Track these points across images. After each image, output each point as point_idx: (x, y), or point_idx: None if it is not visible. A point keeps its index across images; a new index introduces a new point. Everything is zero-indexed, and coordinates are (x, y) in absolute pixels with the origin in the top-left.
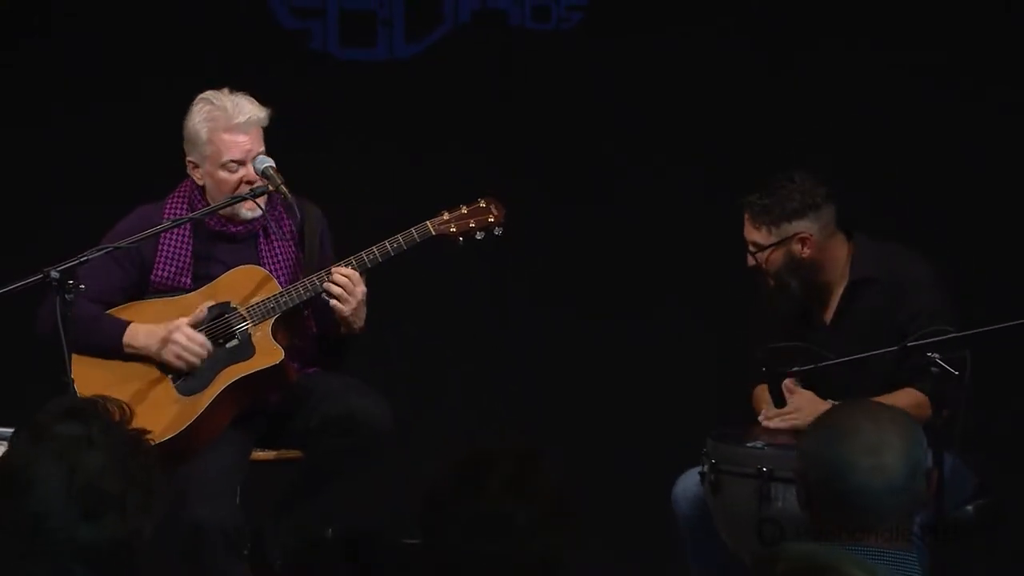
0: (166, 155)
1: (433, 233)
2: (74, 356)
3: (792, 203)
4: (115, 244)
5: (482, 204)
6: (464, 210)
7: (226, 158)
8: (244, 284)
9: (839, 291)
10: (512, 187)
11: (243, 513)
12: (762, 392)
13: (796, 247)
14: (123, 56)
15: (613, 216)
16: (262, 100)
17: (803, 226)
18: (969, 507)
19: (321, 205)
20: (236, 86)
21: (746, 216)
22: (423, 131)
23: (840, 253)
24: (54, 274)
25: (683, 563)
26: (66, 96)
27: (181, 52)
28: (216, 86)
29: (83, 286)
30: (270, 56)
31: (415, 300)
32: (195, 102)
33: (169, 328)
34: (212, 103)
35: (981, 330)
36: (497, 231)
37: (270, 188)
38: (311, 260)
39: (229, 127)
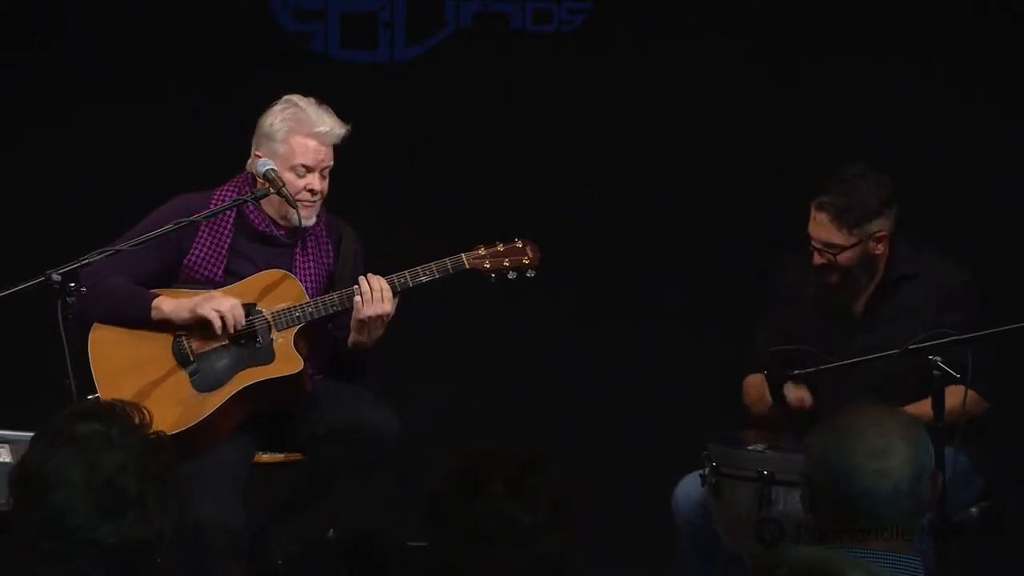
0: (167, 156)
1: (467, 266)
2: (96, 335)
3: (872, 201)
4: (116, 247)
5: (519, 244)
6: (500, 248)
7: (298, 161)
8: (272, 288)
9: (873, 284)
10: (513, 189)
11: (245, 514)
12: (757, 382)
13: (873, 245)
14: (124, 58)
15: (615, 218)
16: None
17: (881, 224)
18: (973, 509)
19: (337, 216)
20: (237, 88)
21: (823, 217)
22: (424, 134)
23: (887, 252)
24: (55, 276)
25: (682, 564)
26: (66, 97)
27: (182, 54)
28: (217, 88)
29: (83, 289)
30: (271, 58)
31: (418, 303)
32: (280, 100)
33: (209, 293)
34: (298, 105)
35: (983, 333)
36: (530, 274)
37: (271, 191)
38: (342, 278)
39: (310, 133)
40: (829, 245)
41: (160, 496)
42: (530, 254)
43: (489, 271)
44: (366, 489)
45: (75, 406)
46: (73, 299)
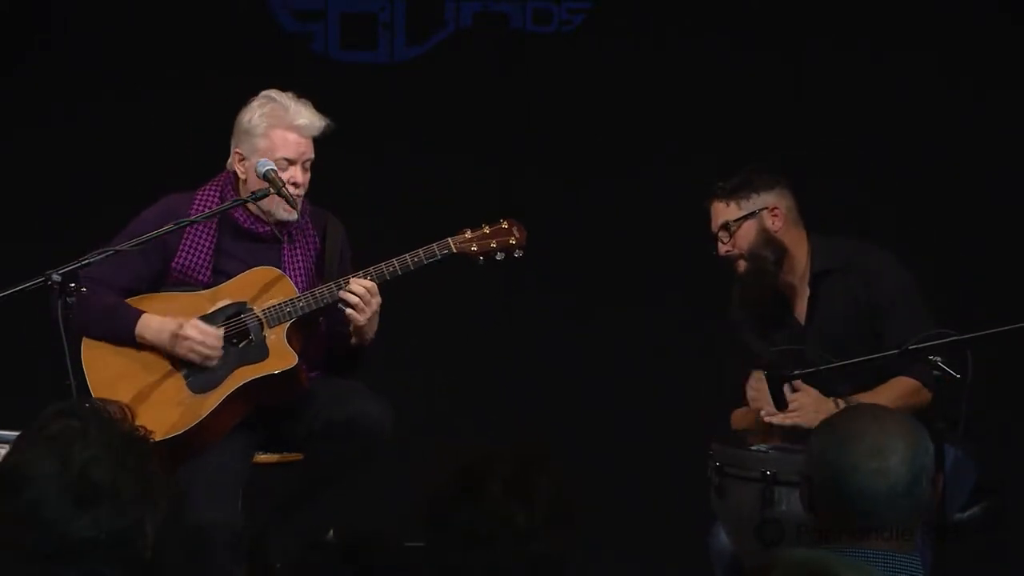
0: (167, 156)
1: (454, 251)
2: (89, 343)
3: (758, 178)
4: (116, 247)
5: (504, 225)
6: (487, 230)
7: (280, 155)
8: (261, 285)
9: (805, 289)
10: (513, 189)
11: (244, 515)
12: (743, 416)
13: (767, 220)
14: (124, 58)
15: (615, 217)
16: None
17: (771, 200)
18: (975, 508)
19: (320, 207)
20: (237, 88)
21: (713, 202)
22: (424, 134)
23: (803, 249)
24: (55, 277)
25: (682, 564)
26: (67, 98)
27: (182, 55)
28: (217, 89)
29: (83, 289)
30: (271, 59)
31: (414, 300)
32: (258, 96)
33: (180, 322)
34: (276, 100)
35: (983, 333)
36: (518, 253)
37: (271, 191)
38: (331, 271)
39: (290, 126)
40: (724, 227)
41: (138, 488)
42: (516, 234)
43: (477, 254)
44: (364, 489)
45: (56, 406)
46: (73, 299)
